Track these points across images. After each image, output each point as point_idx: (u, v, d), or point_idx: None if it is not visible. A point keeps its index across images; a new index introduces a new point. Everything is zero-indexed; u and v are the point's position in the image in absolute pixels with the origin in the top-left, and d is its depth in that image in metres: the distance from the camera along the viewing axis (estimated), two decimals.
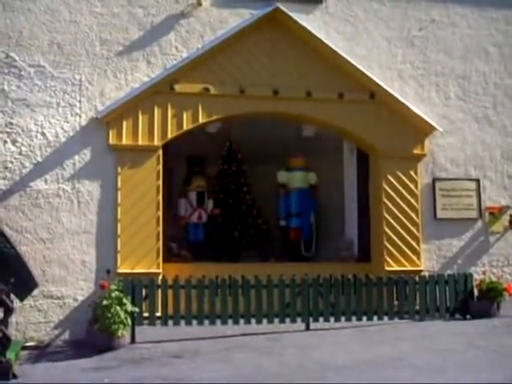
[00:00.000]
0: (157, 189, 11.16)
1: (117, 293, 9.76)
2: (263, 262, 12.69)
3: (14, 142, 10.89)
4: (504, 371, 7.82)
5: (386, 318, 10.84)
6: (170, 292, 10.36)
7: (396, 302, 10.95)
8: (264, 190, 14.38)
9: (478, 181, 12.43)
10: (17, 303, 9.65)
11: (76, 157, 10.99)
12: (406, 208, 11.92)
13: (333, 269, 11.43)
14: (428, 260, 11.98)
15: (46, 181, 10.87)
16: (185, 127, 11.38)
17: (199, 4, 11.65)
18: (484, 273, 11.83)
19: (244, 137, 13.73)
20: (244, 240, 13.96)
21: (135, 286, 10.15)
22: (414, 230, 11.88)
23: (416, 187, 12.03)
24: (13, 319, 9.85)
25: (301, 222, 13.74)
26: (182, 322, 10.34)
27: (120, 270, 10.71)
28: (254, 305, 10.52)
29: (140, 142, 11.15)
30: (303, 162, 13.91)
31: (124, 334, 9.66)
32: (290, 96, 11.66)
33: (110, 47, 11.33)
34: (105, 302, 9.59)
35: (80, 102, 11.11)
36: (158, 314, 10.30)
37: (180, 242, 13.27)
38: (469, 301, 11.16)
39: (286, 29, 11.75)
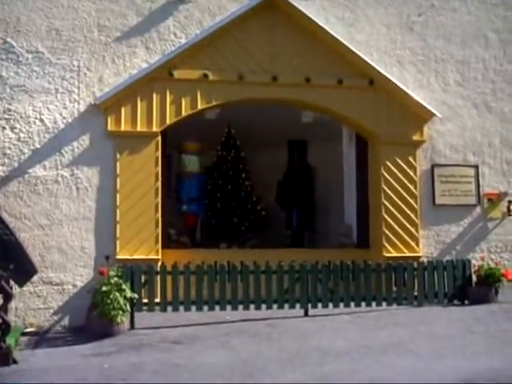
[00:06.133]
0: (155, 175, 11.15)
1: (116, 279, 9.76)
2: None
3: (12, 128, 10.87)
4: (502, 356, 7.85)
5: (384, 304, 10.87)
6: (168, 278, 10.37)
7: (394, 288, 10.96)
8: (263, 176, 14.43)
9: (476, 167, 12.42)
10: (16, 289, 9.68)
11: (75, 143, 10.98)
12: (405, 194, 11.93)
13: (332, 255, 11.46)
14: (426, 246, 11.99)
15: (44, 167, 10.86)
16: (183, 113, 11.36)
17: None
18: (482, 259, 11.81)
19: (243, 123, 13.74)
20: (243, 226, 14.05)
21: (134, 272, 10.14)
22: (412, 216, 11.88)
23: (415, 173, 12.02)
24: (12, 305, 9.93)
25: (199, 207, 13.79)
26: (181, 308, 10.35)
27: (119, 257, 10.72)
28: (253, 291, 10.52)
29: (138, 129, 11.14)
30: (196, 146, 13.89)
31: (123, 320, 9.66)
32: (289, 82, 11.63)
33: (109, 33, 11.28)
34: (104, 288, 9.60)
35: (78, 88, 11.09)
36: (157, 300, 10.31)
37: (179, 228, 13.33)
38: (467, 287, 11.18)
39: (284, 15, 11.69)
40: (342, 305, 10.72)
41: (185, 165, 13.86)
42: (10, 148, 10.82)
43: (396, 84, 12.00)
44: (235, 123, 14.15)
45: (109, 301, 9.52)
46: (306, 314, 10.59)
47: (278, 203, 14.72)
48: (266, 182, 14.54)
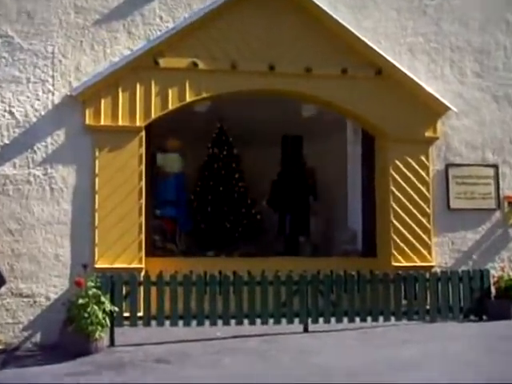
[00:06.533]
0: (139, 174, 11.09)
1: (94, 290, 9.71)
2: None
3: None
4: None
5: (393, 319, 10.83)
6: (153, 289, 10.31)
7: (404, 302, 10.94)
8: (258, 176, 14.48)
9: (496, 167, 12.35)
10: None
11: (48, 139, 10.90)
12: (416, 197, 11.88)
13: (334, 264, 11.43)
14: (440, 255, 11.95)
15: (14, 165, 10.78)
16: (170, 106, 11.30)
17: None
18: (502, 269, 11.76)
19: (236, 117, 13.73)
20: (236, 231, 14.10)
21: (115, 283, 10.10)
22: (424, 221, 11.84)
23: (427, 174, 11.98)
24: None
25: (177, 211, 13.76)
26: (167, 323, 10.30)
27: (98, 265, 10.66)
28: (247, 304, 10.49)
29: (120, 123, 11.07)
30: (176, 143, 13.90)
31: (102, 335, 9.61)
32: (288, 72, 11.57)
33: (87, 16, 11.20)
34: (81, 301, 9.55)
35: (53, 77, 11.01)
36: (140, 313, 10.26)
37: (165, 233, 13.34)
38: (485, 300, 11.14)
39: None
40: (345, 320, 10.68)
41: (161, 164, 13.79)
42: None
43: (406, 74, 11.94)
44: (228, 117, 14.13)
45: (86, 315, 9.46)
46: (306, 330, 10.54)
47: (269, 206, 14.75)
48: (261, 183, 14.57)
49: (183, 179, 14.03)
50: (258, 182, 14.50)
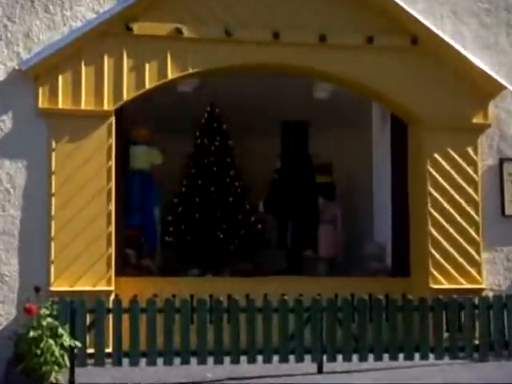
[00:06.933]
0: (107, 172, 11.10)
1: (49, 320, 9.60)
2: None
3: None
4: None
5: (431, 357, 10.71)
6: (125, 318, 10.19)
7: (446, 335, 10.83)
8: (260, 173, 14.68)
9: None
10: None
11: None
12: (461, 200, 11.87)
13: (356, 286, 11.58)
14: (492, 274, 11.94)
15: None
16: (148, 85, 11.31)
17: None
18: None
19: (231, 99, 13.82)
20: (231, 244, 14.21)
21: (76, 311, 9.96)
22: (472, 232, 11.84)
23: (475, 171, 11.98)
24: None
25: (142, 218, 13.72)
26: (143, 361, 10.21)
27: (54, 288, 10.62)
28: (245, 337, 10.36)
29: (83, 106, 11.08)
30: (147, 133, 13.86)
31: (59, 378, 9.52)
32: (297, 41, 11.58)
33: None
34: (32, 334, 9.45)
35: None
36: (109, 349, 10.18)
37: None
38: None
39: None
40: (371, 357, 10.58)
41: (135, 159, 13.71)
42: None
43: (449, 44, 11.90)
44: (220, 99, 14.20)
45: (39, 351, 9.37)
46: (320, 371, 10.43)
47: (267, 211, 14.86)
48: (263, 183, 14.67)
49: (149, 177, 13.87)
50: (258, 182, 14.62)
